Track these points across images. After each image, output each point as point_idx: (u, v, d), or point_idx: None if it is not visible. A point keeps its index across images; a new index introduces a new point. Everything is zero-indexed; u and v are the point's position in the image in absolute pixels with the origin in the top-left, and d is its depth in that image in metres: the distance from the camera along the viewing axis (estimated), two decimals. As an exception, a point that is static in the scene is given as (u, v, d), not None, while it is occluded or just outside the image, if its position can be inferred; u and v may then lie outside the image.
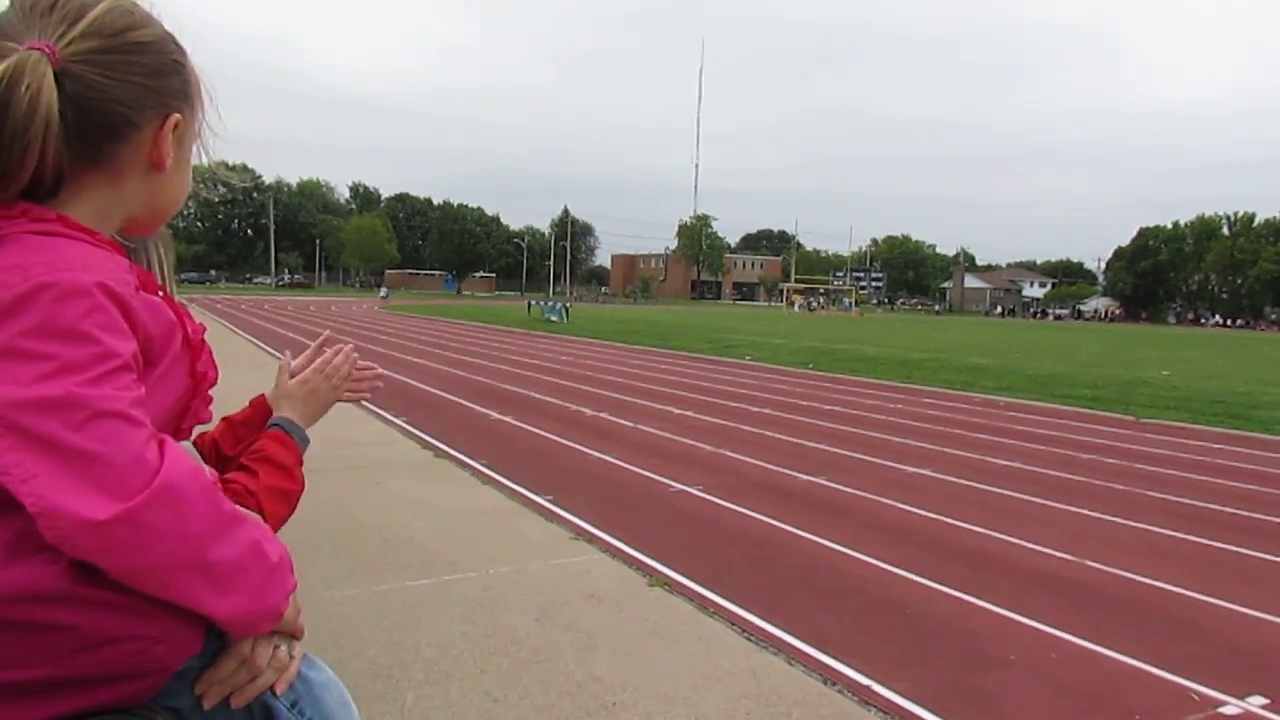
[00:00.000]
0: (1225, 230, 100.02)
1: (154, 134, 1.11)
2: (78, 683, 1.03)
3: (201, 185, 1.28)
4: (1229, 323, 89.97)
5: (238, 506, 1.13)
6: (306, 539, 5.43)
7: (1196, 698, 3.82)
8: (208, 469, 1.14)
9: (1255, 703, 3.78)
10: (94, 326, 0.99)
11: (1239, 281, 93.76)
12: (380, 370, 1.64)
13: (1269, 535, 6.55)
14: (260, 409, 1.49)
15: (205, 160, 1.23)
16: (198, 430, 1.33)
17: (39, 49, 1.01)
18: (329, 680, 1.36)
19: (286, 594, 1.16)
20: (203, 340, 1.24)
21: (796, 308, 77.91)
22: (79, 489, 0.94)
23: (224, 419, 1.48)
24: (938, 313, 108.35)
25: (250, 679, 1.18)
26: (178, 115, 1.13)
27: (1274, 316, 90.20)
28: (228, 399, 1.27)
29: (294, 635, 1.24)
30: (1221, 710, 3.73)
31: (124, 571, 0.99)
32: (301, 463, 1.41)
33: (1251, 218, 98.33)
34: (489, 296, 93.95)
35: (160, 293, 1.17)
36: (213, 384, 1.25)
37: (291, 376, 1.51)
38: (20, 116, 0.99)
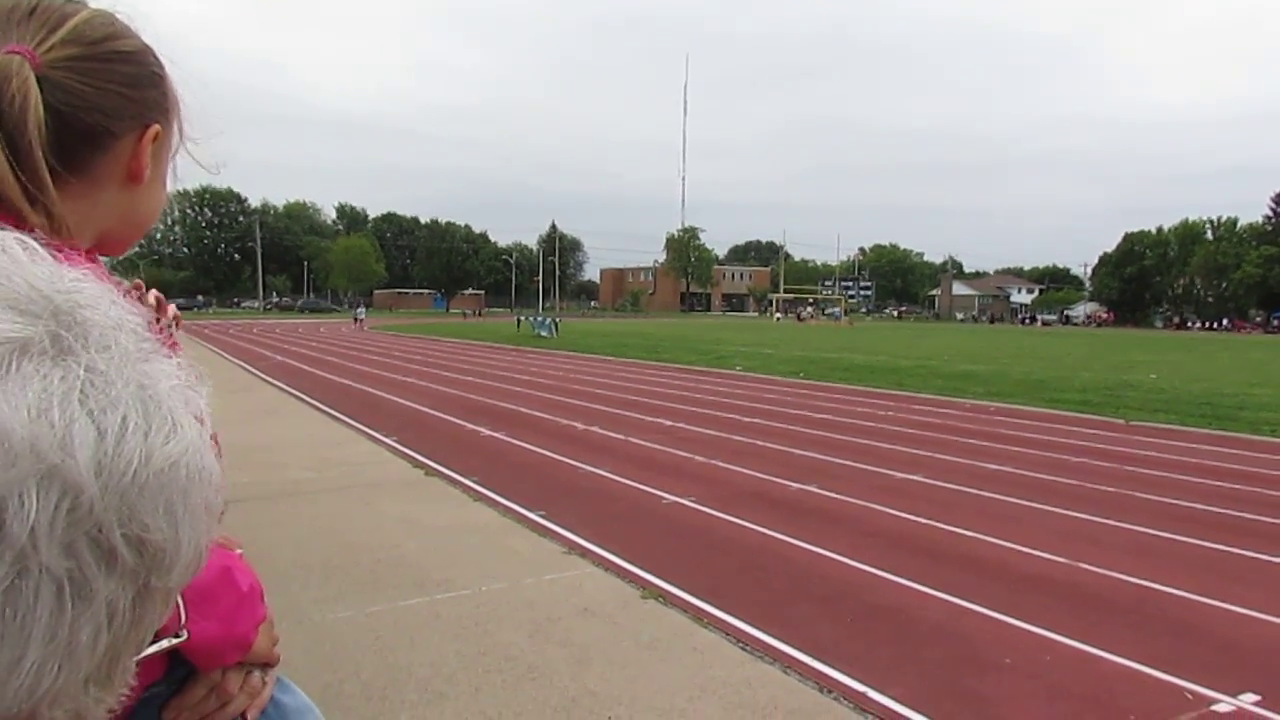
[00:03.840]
0: (1209, 235, 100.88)
1: (133, 145, 1.09)
2: None
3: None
4: (1214, 325, 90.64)
5: None
6: (298, 561, 5.41)
7: (1190, 696, 3.84)
8: None
9: (1248, 700, 3.80)
10: None
11: (1223, 285, 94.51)
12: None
13: (1259, 534, 6.59)
14: None
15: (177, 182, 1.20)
16: None
17: (19, 53, 0.98)
18: (304, 705, 1.33)
19: (256, 624, 1.14)
20: None
21: (777, 318, 78.25)
22: None
23: None
24: (898, 317, 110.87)
25: (220, 705, 1.15)
26: (157, 126, 1.11)
27: (1258, 319, 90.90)
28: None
29: (269, 664, 1.21)
30: (1215, 708, 3.75)
31: None
32: None
33: (1234, 222, 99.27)
34: (477, 313, 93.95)
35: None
36: None
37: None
38: (14, 119, 0.96)
